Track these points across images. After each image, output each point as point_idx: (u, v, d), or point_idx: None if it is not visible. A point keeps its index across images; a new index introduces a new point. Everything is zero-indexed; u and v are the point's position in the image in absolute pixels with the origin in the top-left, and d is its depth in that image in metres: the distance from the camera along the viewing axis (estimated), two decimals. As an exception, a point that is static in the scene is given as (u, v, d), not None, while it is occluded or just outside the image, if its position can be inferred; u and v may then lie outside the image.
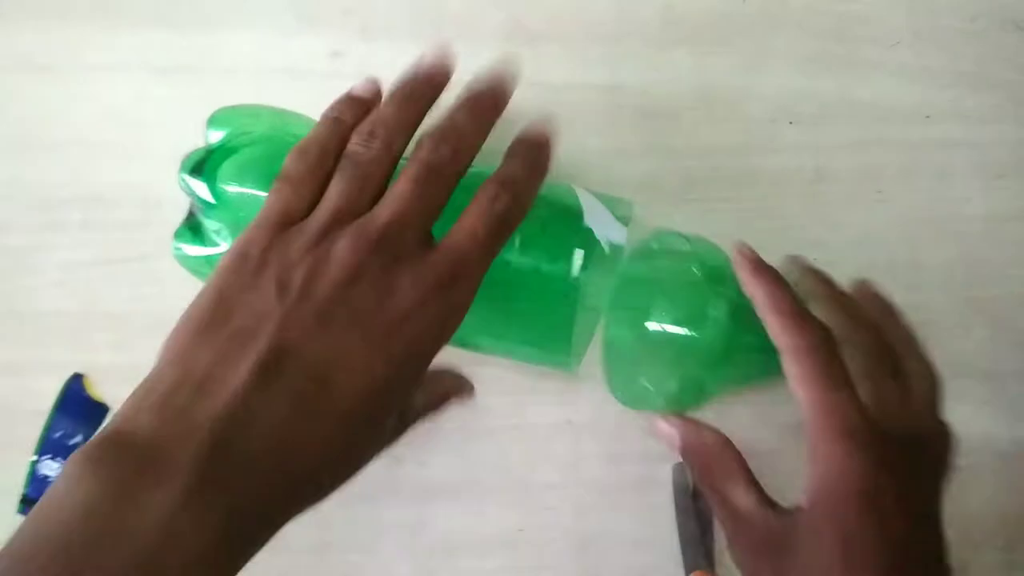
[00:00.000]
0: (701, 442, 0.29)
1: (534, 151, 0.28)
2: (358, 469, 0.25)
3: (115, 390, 0.37)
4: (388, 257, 0.24)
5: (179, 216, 0.39)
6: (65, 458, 0.36)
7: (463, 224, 0.25)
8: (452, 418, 0.37)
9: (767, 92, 0.41)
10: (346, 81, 0.40)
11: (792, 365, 0.26)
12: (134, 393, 0.23)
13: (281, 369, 0.22)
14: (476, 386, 0.33)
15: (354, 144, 0.26)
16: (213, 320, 0.24)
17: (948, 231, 0.40)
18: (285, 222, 0.25)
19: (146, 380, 0.23)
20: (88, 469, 0.20)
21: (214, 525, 0.20)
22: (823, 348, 0.26)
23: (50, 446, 0.36)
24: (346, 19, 0.41)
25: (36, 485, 0.36)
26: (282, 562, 0.39)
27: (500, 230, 0.26)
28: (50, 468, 0.36)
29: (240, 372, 0.22)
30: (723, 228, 0.40)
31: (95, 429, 0.37)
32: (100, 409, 0.37)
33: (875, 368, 0.28)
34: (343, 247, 0.24)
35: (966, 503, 0.39)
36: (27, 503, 0.36)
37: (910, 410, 0.28)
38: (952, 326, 0.40)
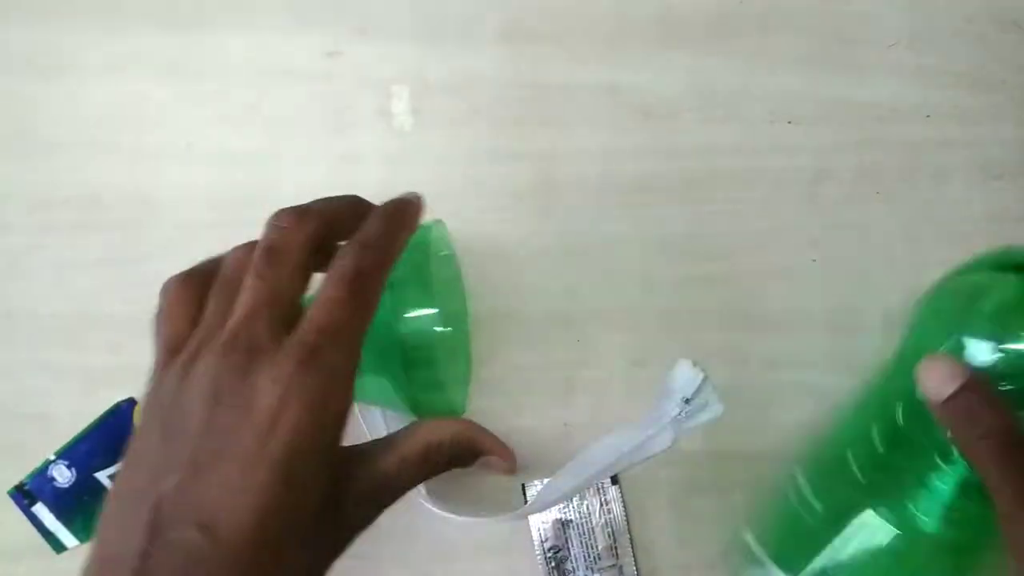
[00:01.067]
0: (985, 384, 0.25)
1: (395, 209, 0.26)
2: None
3: (111, 392, 0.37)
4: (241, 360, 0.22)
5: (177, 216, 0.39)
6: (80, 470, 0.36)
7: (319, 295, 0.24)
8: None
9: (767, 92, 0.41)
10: (344, 80, 0.40)
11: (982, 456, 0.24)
12: None
13: (162, 526, 0.21)
14: (475, 387, 0.33)
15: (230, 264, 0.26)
16: (120, 485, 0.23)
17: (948, 231, 0.40)
18: (171, 353, 0.24)
19: (82, 566, 0.22)
20: None
21: None
22: (1001, 413, 0.24)
23: (72, 454, 0.36)
24: (344, 19, 0.41)
25: (38, 481, 0.36)
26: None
27: (361, 285, 0.24)
28: (61, 474, 0.36)
29: (135, 540, 0.21)
30: (723, 228, 0.40)
31: (118, 460, 0.36)
32: None
33: None
34: (199, 369, 0.23)
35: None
36: (20, 490, 0.36)
37: None
38: (952, 327, 0.40)
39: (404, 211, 0.27)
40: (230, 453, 0.21)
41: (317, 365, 0.22)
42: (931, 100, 0.41)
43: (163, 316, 0.26)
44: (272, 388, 0.22)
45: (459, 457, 0.27)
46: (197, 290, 0.26)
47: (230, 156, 0.39)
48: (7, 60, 0.40)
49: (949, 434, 0.25)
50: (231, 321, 0.23)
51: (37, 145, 0.39)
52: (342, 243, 0.25)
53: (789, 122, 0.40)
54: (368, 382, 0.30)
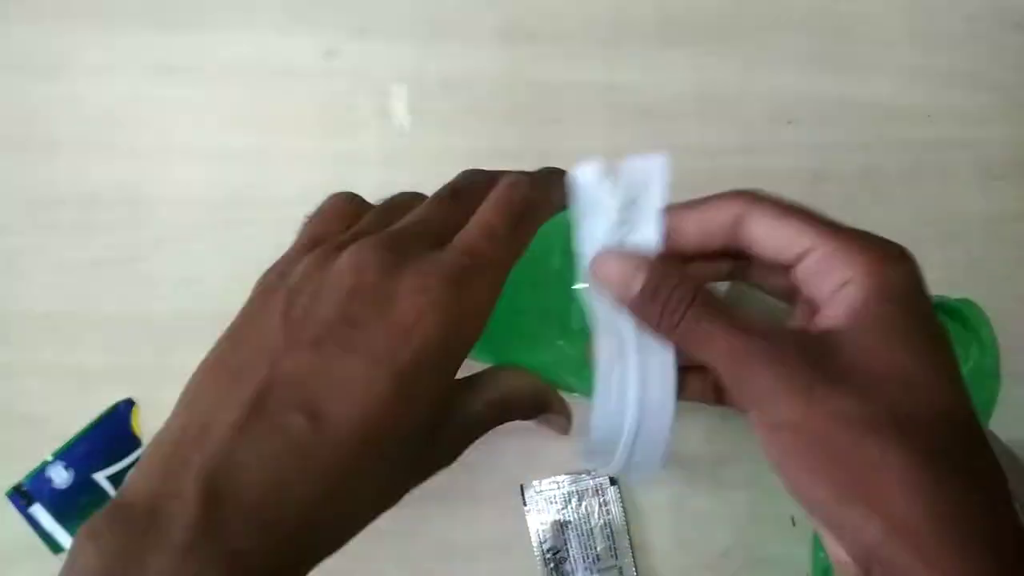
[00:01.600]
0: (677, 271, 0.24)
1: (554, 172, 0.27)
2: (383, 502, 0.22)
3: (108, 393, 0.37)
4: (390, 261, 0.22)
5: (176, 216, 0.39)
6: (78, 471, 0.36)
7: (477, 217, 0.23)
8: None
9: (767, 92, 0.40)
10: (344, 80, 0.40)
11: (762, 214, 0.24)
12: (145, 449, 0.22)
13: (268, 406, 0.20)
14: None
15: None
16: (221, 357, 0.22)
17: (948, 231, 0.40)
18: (313, 243, 0.24)
19: (158, 432, 0.22)
20: (90, 543, 0.19)
21: None
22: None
23: (69, 455, 0.36)
24: (342, 19, 0.40)
25: (36, 482, 0.36)
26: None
27: (519, 223, 0.23)
28: (58, 474, 0.36)
29: (232, 414, 0.20)
30: (722, 228, 0.40)
31: (119, 460, 0.36)
32: (132, 443, 0.37)
33: None
34: (343, 258, 0.22)
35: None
36: (18, 491, 0.36)
37: None
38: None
39: (561, 177, 0.26)
40: (358, 347, 0.21)
41: (462, 288, 0.22)
42: (931, 100, 0.41)
43: (316, 215, 0.25)
44: (414, 296, 0.21)
45: (531, 409, 0.27)
46: (359, 207, 0.26)
47: (228, 156, 0.39)
48: (7, 60, 0.40)
49: (650, 330, 0.24)
50: (393, 227, 0.23)
51: (37, 145, 0.39)
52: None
53: (789, 122, 0.40)
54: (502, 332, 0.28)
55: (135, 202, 0.39)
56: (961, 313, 0.34)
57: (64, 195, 0.39)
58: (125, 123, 0.40)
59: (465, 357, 0.23)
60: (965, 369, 0.34)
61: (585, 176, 0.26)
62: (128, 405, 0.37)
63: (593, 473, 0.37)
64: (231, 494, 0.19)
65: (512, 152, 0.40)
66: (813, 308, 0.23)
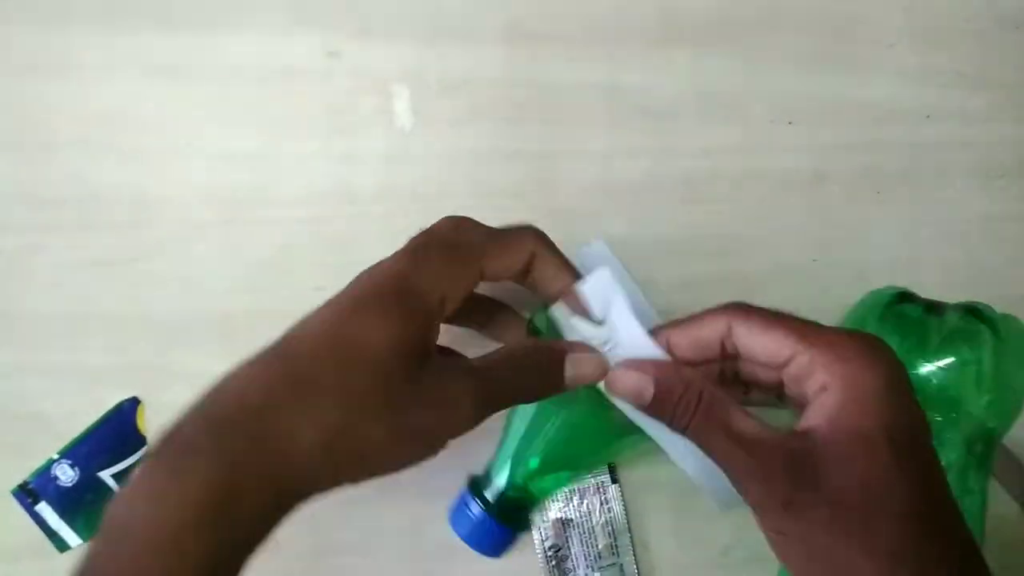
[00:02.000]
0: (682, 379, 0.26)
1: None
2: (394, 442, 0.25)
3: (111, 392, 0.37)
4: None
5: (176, 216, 0.39)
6: (84, 469, 0.36)
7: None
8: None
9: (767, 92, 0.41)
10: (344, 80, 0.40)
11: (750, 324, 0.26)
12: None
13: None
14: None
15: None
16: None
17: (948, 231, 0.40)
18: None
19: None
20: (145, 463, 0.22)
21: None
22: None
23: (75, 454, 0.36)
24: (343, 19, 0.41)
25: (42, 480, 0.36)
26: (277, 566, 0.39)
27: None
28: (64, 473, 0.36)
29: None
30: (723, 228, 0.40)
31: (124, 458, 0.36)
32: (137, 441, 0.37)
33: None
34: None
35: (965, 505, 0.39)
36: (24, 489, 0.36)
37: None
38: (952, 326, 0.40)
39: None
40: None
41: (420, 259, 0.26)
42: (931, 100, 0.41)
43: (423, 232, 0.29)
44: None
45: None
46: (459, 232, 0.29)
47: (230, 156, 0.39)
48: (7, 60, 0.40)
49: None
50: None
51: (37, 145, 0.39)
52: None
53: (789, 122, 0.40)
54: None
55: (137, 202, 0.39)
56: (1001, 325, 0.35)
57: (66, 195, 0.39)
58: (126, 123, 0.40)
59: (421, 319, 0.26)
60: (1010, 383, 0.35)
61: (563, 316, 0.30)
62: (133, 404, 0.37)
63: (594, 471, 0.37)
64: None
65: (513, 152, 0.40)
66: (802, 403, 0.25)
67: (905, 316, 0.36)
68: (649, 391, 0.26)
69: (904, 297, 0.37)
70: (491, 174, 0.39)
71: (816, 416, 0.24)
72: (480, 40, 0.40)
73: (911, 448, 0.23)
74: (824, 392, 0.24)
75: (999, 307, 0.40)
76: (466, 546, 0.35)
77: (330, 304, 0.25)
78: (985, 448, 0.35)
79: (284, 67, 0.40)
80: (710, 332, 0.27)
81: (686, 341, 0.27)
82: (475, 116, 0.40)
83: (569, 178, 0.40)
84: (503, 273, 0.29)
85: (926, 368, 0.34)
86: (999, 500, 0.38)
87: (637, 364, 0.27)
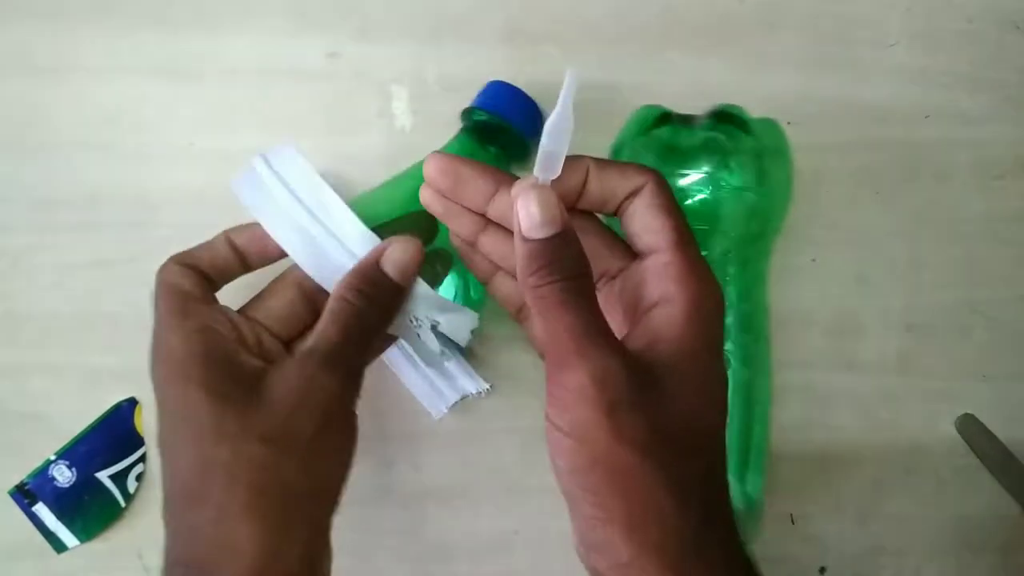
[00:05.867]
0: (573, 243, 0.24)
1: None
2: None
3: (111, 392, 0.37)
4: None
5: (177, 216, 0.39)
6: (81, 470, 0.36)
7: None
8: (447, 421, 0.37)
9: (767, 92, 0.41)
10: (344, 81, 0.40)
11: (651, 196, 0.25)
12: None
13: None
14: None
15: None
16: None
17: (948, 231, 0.40)
18: None
19: None
20: None
21: None
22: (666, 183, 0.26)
23: (72, 455, 0.36)
24: (343, 20, 0.41)
25: (39, 481, 0.36)
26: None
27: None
28: (61, 473, 0.36)
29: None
30: (723, 228, 0.40)
31: (122, 458, 0.36)
32: (135, 441, 0.37)
33: None
34: None
35: (964, 505, 0.39)
36: (21, 490, 0.36)
37: None
38: (951, 327, 0.40)
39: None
40: None
41: None
42: (931, 100, 0.41)
43: None
44: None
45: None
46: None
47: (230, 156, 0.39)
48: (7, 60, 0.40)
49: (521, 271, 0.24)
50: None
51: (37, 145, 0.39)
52: None
53: (789, 122, 0.40)
54: None
55: (138, 202, 0.39)
56: (765, 130, 0.36)
57: (66, 195, 0.39)
58: (127, 124, 0.40)
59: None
60: (773, 185, 0.36)
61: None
62: (131, 404, 0.37)
63: None
64: None
65: (513, 152, 0.40)
66: (640, 304, 0.25)
67: (658, 136, 0.35)
68: (549, 228, 0.23)
69: (664, 118, 0.36)
70: (491, 174, 0.39)
71: (656, 324, 0.24)
72: (480, 40, 0.40)
73: (719, 379, 0.24)
74: (668, 304, 0.24)
75: (999, 307, 0.40)
76: (466, 546, 0.35)
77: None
78: (754, 250, 0.36)
79: (285, 68, 0.40)
80: (626, 187, 0.26)
81: (605, 185, 0.26)
82: (475, 116, 0.40)
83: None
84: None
85: (685, 180, 0.34)
86: (999, 500, 0.38)
87: (552, 194, 0.24)
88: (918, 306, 0.40)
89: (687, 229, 0.25)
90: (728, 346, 0.35)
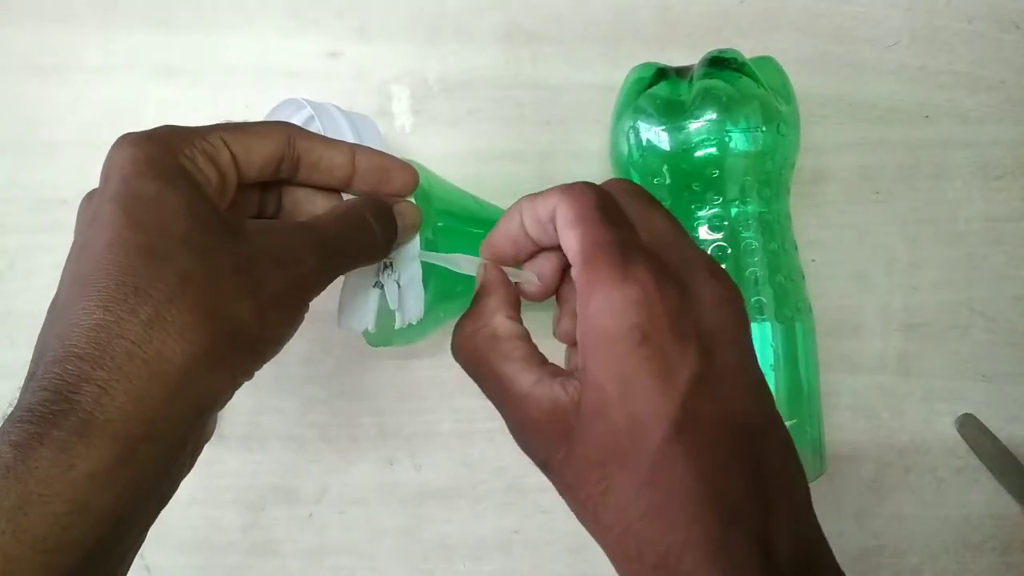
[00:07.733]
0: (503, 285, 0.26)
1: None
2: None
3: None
4: None
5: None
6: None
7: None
8: (447, 420, 0.37)
9: (766, 92, 0.40)
10: (345, 81, 0.40)
11: (561, 216, 0.24)
12: None
13: None
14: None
15: None
16: None
17: (948, 231, 0.40)
18: None
19: None
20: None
21: None
22: (592, 191, 0.25)
23: None
24: (343, 20, 0.41)
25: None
26: (275, 567, 0.39)
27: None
28: None
29: None
30: (722, 228, 0.40)
31: None
32: None
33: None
34: None
35: (964, 505, 0.39)
36: None
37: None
38: (951, 327, 0.40)
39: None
40: None
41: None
42: (931, 100, 0.41)
43: None
44: None
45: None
46: None
47: (230, 156, 0.39)
48: (7, 60, 0.40)
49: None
50: None
51: (37, 145, 0.39)
52: None
53: (789, 122, 0.40)
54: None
55: (137, 202, 0.39)
56: (762, 69, 0.36)
57: (66, 195, 0.39)
58: (128, 123, 0.39)
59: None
60: (780, 121, 0.35)
61: None
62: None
63: None
64: None
65: (513, 152, 0.40)
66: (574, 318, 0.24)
67: (656, 94, 0.35)
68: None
69: (660, 74, 0.36)
70: (491, 174, 0.39)
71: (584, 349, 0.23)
72: (480, 40, 0.40)
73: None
74: (580, 319, 0.23)
75: (999, 307, 0.40)
76: (466, 546, 0.35)
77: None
78: (772, 190, 0.36)
79: (285, 67, 0.40)
80: (540, 218, 0.26)
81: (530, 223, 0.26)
82: (475, 116, 0.40)
83: (569, 178, 0.39)
84: (258, 156, 0.28)
85: (691, 127, 0.34)
86: (999, 500, 0.38)
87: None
88: (918, 306, 0.40)
89: (598, 233, 0.23)
90: (762, 294, 0.34)
